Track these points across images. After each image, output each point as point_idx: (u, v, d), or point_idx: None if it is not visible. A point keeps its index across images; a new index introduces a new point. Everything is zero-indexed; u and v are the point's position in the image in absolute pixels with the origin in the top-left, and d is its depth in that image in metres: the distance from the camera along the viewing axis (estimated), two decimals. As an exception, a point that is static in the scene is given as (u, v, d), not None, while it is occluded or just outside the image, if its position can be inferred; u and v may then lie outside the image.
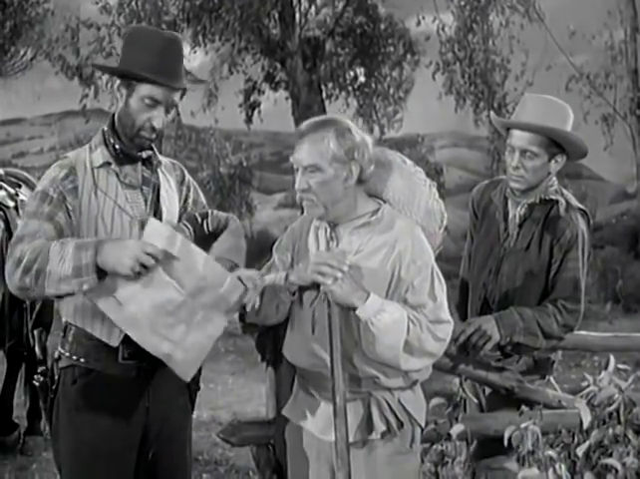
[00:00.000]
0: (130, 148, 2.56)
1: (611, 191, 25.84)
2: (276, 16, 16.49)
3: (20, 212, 4.51)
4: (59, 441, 2.60)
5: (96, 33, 16.82)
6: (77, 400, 2.54)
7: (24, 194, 4.65)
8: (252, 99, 18.01)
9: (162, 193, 2.65)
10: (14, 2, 16.80)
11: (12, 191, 4.57)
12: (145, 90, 2.49)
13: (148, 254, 2.28)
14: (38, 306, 4.60)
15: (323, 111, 16.31)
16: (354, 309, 2.43)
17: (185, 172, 2.78)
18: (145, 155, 2.60)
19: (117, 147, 2.55)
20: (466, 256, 3.39)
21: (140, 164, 2.60)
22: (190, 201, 2.77)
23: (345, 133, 2.48)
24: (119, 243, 2.32)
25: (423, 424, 2.64)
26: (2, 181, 4.60)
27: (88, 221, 2.50)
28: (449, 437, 2.90)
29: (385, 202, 2.61)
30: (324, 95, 17.38)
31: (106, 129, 2.58)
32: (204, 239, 2.59)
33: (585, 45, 17.26)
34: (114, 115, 2.58)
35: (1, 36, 17.04)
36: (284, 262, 2.62)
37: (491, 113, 3.41)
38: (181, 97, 2.59)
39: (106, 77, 17.01)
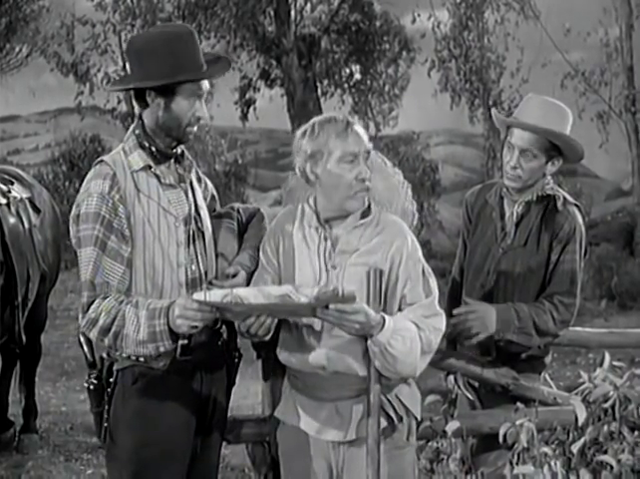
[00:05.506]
0: (167, 147, 2.57)
1: (606, 188, 25.94)
2: (272, 13, 16.50)
3: (12, 208, 4.50)
4: (118, 442, 2.57)
5: (91, 30, 16.82)
6: (139, 400, 2.54)
7: (16, 191, 4.62)
8: (248, 96, 18.01)
9: (197, 190, 2.69)
10: (9, -1, 16.77)
11: (4, 188, 4.55)
12: (187, 90, 2.50)
13: (193, 310, 2.28)
14: (30, 304, 4.57)
15: (319, 108, 16.33)
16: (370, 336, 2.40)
17: (197, 168, 2.79)
18: (179, 150, 2.62)
19: (153, 149, 2.56)
20: (457, 264, 3.33)
21: (172, 161, 2.61)
22: (209, 196, 2.79)
23: None
24: (172, 307, 2.34)
25: (419, 416, 2.64)
26: (-5, 178, 4.58)
27: (136, 226, 2.50)
28: (444, 434, 2.89)
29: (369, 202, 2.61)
30: (319, 92, 17.39)
31: (137, 132, 2.57)
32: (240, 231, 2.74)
33: (580, 42, 17.31)
34: (141, 119, 2.56)
35: (-4, 33, 17.01)
36: (273, 267, 2.60)
37: (493, 110, 3.31)
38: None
39: (101, 74, 17.06)
